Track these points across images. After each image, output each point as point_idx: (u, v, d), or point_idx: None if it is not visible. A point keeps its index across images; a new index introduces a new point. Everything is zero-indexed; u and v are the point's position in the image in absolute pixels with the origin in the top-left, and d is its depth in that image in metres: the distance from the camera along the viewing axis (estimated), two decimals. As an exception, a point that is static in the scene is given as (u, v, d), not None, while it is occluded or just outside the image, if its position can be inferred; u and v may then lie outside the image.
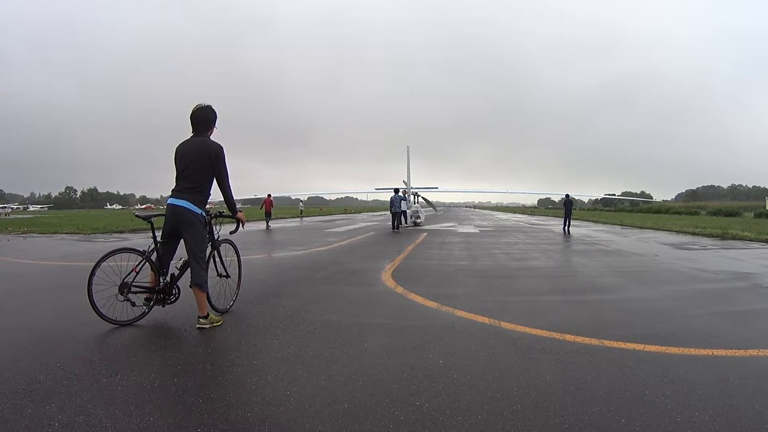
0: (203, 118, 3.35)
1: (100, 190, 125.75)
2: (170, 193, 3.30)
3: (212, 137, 3.42)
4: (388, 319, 3.51)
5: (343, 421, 1.86)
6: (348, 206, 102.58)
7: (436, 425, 1.83)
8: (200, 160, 3.24)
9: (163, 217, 3.32)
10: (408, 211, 18.74)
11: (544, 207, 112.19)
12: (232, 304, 3.79)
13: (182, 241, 3.29)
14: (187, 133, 3.43)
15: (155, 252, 3.31)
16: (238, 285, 3.98)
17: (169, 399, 2.05)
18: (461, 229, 17.01)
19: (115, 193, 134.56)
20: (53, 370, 2.35)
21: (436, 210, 19.99)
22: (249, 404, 2.00)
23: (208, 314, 3.21)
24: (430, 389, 2.18)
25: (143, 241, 9.95)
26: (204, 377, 2.31)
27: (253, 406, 1.99)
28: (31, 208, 71.56)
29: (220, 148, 3.33)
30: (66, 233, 13.62)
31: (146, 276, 3.31)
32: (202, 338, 2.99)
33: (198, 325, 3.16)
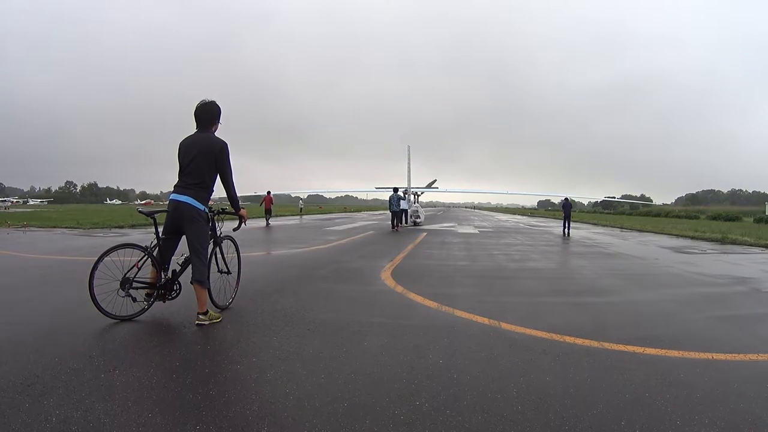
0: (207, 113, 3.33)
1: (99, 185, 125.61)
2: (173, 189, 3.29)
3: (216, 133, 3.41)
4: (388, 319, 3.50)
5: (342, 420, 1.86)
6: (348, 205, 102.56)
7: (435, 425, 1.83)
8: (204, 156, 3.22)
9: (166, 213, 3.31)
10: (408, 210, 18.75)
11: (544, 209, 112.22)
12: (232, 300, 3.78)
13: (184, 237, 3.28)
14: (188, 128, 3.42)
15: (157, 248, 3.30)
16: (237, 282, 3.97)
17: (168, 395, 2.04)
18: (461, 230, 17.02)
19: (115, 188, 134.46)
20: (51, 365, 2.34)
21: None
22: (248, 402, 1.99)
23: (207, 311, 3.20)
24: (430, 389, 2.17)
25: (143, 236, 9.94)
26: (203, 374, 2.30)
27: (252, 403, 1.98)
28: (31, 202, 71.49)
29: (225, 144, 3.31)
30: (65, 228, 13.59)
31: (147, 272, 3.31)
32: (202, 335, 2.98)
33: (197, 322, 3.15)
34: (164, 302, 3.41)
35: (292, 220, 22.74)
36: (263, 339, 2.91)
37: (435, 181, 31.04)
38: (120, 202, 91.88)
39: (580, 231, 17.74)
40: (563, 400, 2.08)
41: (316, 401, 2.01)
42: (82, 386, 2.10)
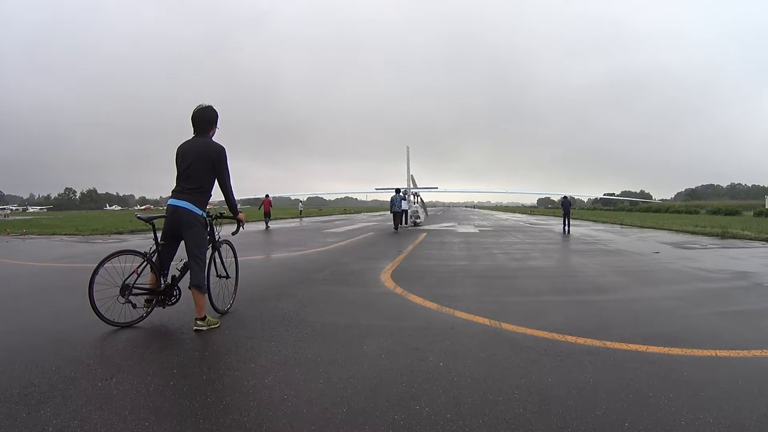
0: (204, 118, 3.32)
1: (99, 192, 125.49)
2: (170, 194, 3.27)
3: (213, 138, 3.40)
4: (388, 321, 3.48)
5: (341, 425, 1.83)
6: (347, 206, 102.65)
7: (436, 430, 1.80)
8: (202, 161, 3.21)
9: (164, 218, 3.29)
10: (408, 210, 18.74)
11: (544, 207, 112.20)
12: (231, 305, 3.76)
13: (183, 242, 3.27)
14: (186, 134, 3.41)
15: (156, 254, 3.29)
16: (236, 287, 3.95)
17: (165, 403, 2.02)
18: (461, 229, 16.99)
19: (115, 194, 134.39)
20: (48, 374, 2.32)
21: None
22: (246, 408, 1.97)
23: (205, 316, 3.18)
24: (430, 392, 2.15)
25: (142, 242, 9.92)
26: (201, 380, 2.28)
27: (250, 410, 1.96)
28: (31, 210, 71.43)
29: (223, 149, 3.31)
30: (65, 235, 13.58)
31: (147, 278, 3.29)
32: (199, 341, 2.96)
33: (195, 327, 3.13)
34: (164, 308, 3.39)
35: (292, 223, 22.73)
36: (261, 344, 2.89)
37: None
38: (119, 207, 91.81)
39: (580, 228, 17.71)
40: (565, 402, 2.05)
41: (315, 407, 1.99)
42: (78, 395, 2.09)
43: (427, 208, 31.82)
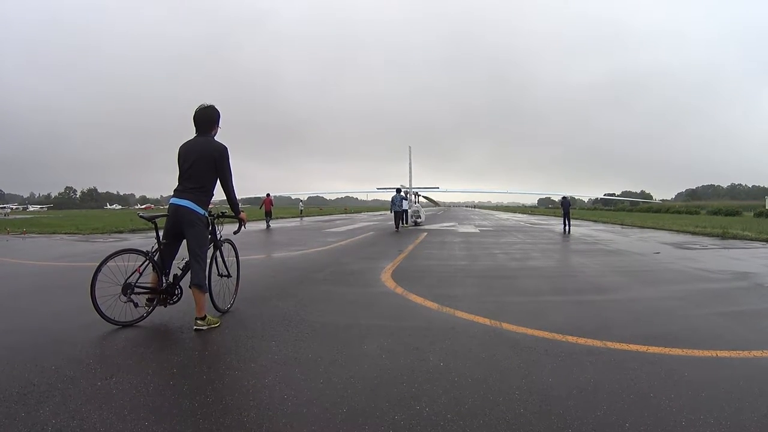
0: (206, 118, 3.33)
1: (99, 191, 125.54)
2: (173, 193, 3.27)
3: (216, 137, 3.40)
4: (388, 321, 3.47)
5: (341, 425, 1.83)
6: (348, 206, 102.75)
7: (436, 430, 1.80)
8: (204, 160, 3.22)
9: (166, 217, 3.30)
10: (409, 210, 18.74)
11: (544, 207, 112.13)
12: (231, 304, 3.76)
13: (184, 241, 3.27)
14: (187, 133, 3.41)
15: (158, 252, 3.29)
16: (237, 286, 3.95)
17: (165, 403, 2.01)
18: (461, 229, 16.99)
19: (115, 193, 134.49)
20: (48, 373, 2.32)
21: (438, 205, 18.73)
22: (246, 408, 1.97)
23: (205, 316, 3.17)
24: (431, 392, 2.14)
25: (142, 241, 9.92)
26: (200, 380, 2.27)
27: (250, 410, 1.95)
28: (31, 209, 71.49)
29: (225, 148, 3.31)
30: (65, 233, 13.57)
31: (148, 277, 3.28)
32: (199, 340, 2.96)
33: (195, 327, 3.13)
34: (165, 307, 3.39)
35: (293, 222, 22.73)
36: (261, 343, 2.88)
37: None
38: (120, 206, 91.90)
39: (580, 228, 17.69)
40: (566, 402, 2.05)
41: (315, 407, 1.99)
42: (78, 394, 2.08)
43: (426, 208, 32.02)
